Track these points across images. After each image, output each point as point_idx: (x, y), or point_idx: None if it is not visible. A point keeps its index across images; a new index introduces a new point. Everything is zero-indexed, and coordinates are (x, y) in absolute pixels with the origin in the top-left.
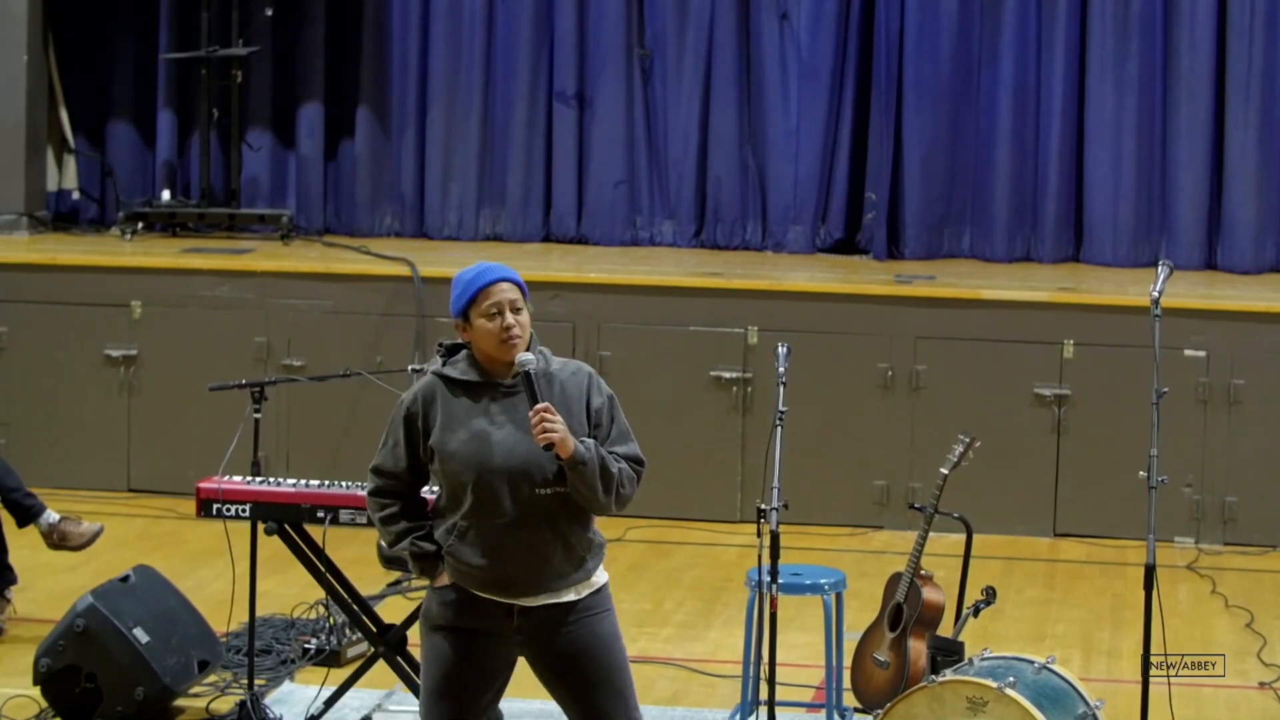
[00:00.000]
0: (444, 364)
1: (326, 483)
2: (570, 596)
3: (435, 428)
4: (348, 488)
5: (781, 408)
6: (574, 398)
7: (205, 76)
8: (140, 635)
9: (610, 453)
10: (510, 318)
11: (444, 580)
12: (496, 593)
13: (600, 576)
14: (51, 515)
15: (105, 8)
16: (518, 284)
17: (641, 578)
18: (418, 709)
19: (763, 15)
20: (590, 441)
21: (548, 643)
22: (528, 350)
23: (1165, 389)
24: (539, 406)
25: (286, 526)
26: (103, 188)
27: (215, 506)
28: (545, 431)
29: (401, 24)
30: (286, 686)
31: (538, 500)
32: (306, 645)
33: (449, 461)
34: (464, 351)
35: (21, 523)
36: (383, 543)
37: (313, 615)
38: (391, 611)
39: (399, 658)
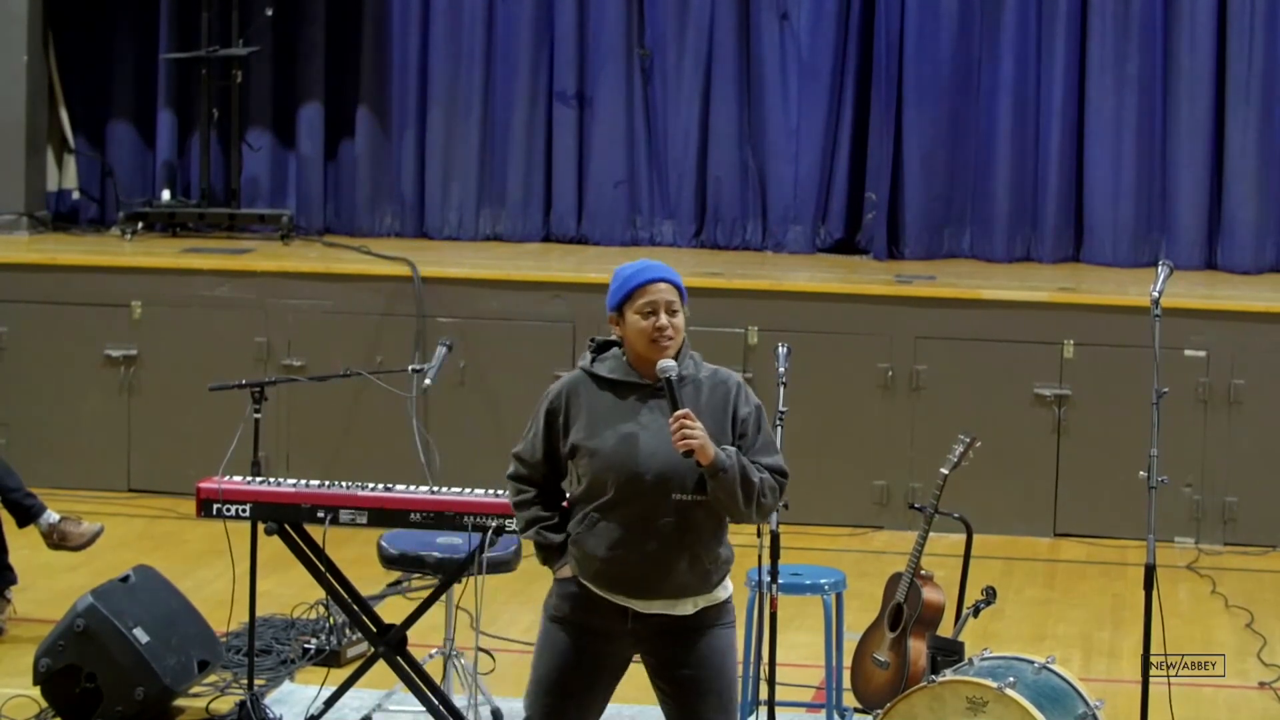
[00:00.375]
0: (592, 361)
1: (326, 483)
2: (687, 610)
3: (576, 425)
4: (348, 488)
5: (781, 408)
6: (720, 405)
7: (205, 76)
8: (140, 635)
9: (753, 462)
10: (664, 319)
11: (566, 573)
12: (613, 592)
13: (723, 591)
14: (51, 515)
15: (105, 8)
16: (677, 286)
17: None
18: (524, 697)
19: (763, 15)
20: (732, 450)
21: (660, 648)
22: (678, 355)
23: (1165, 389)
24: (679, 412)
25: (286, 526)
26: (103, 188)
27: (215, 506)
28: (684, 438)
29: (401, 24)
30: (286, 686)
31: (675, 507)
32: (306, 645)
33: (591, 459)
34: (615, 349)
35: (21, 523)
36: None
37: (313, 615)
38: (391, 611)
39: (399, 658)
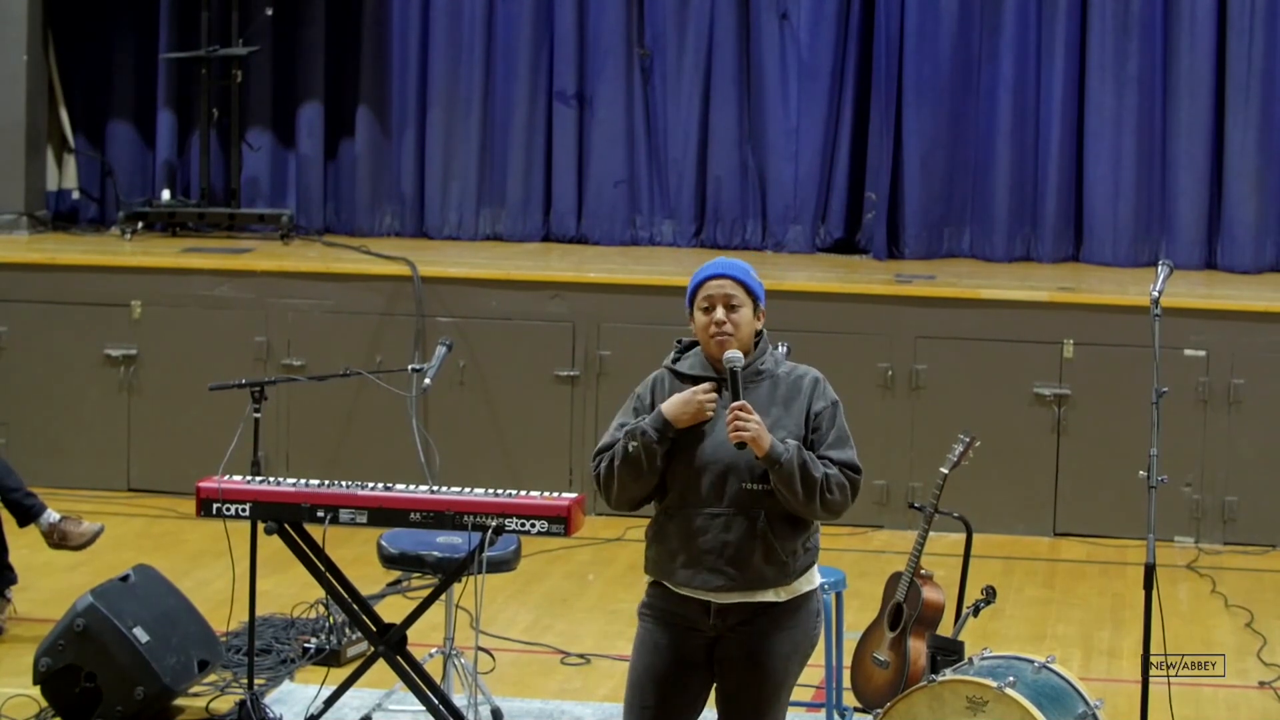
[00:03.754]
0: (675, 359)
1: (326, 482)
2: (769, 598)
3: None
4: (348, 487)
5: None
6: (792, 400)
7: (205, 76)
8: (140, 635)
9: (822, 457)
10: (720, 313)
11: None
12: (692, 587)
13: (804, 584)
14: (52, 515)
15: (105, 8)
16: (741, 281)
17: (642, 577)
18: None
19: (763, 15)
20: (793, 443)
21: (731, 640)
22: (753, 350)
23: (1165, 389)
24: (735, 404)
25: (286, 526)
26: (103, 188)
27: (215, 506)
28: (738, 430)
29: (401, 24)
30: (286, 686)
31: (743, 495)
32: (306, 645)
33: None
34: (697, 347)
35: (22, 522)
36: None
37: (313, 615)
38: (391, 611)
39: (399, 657)
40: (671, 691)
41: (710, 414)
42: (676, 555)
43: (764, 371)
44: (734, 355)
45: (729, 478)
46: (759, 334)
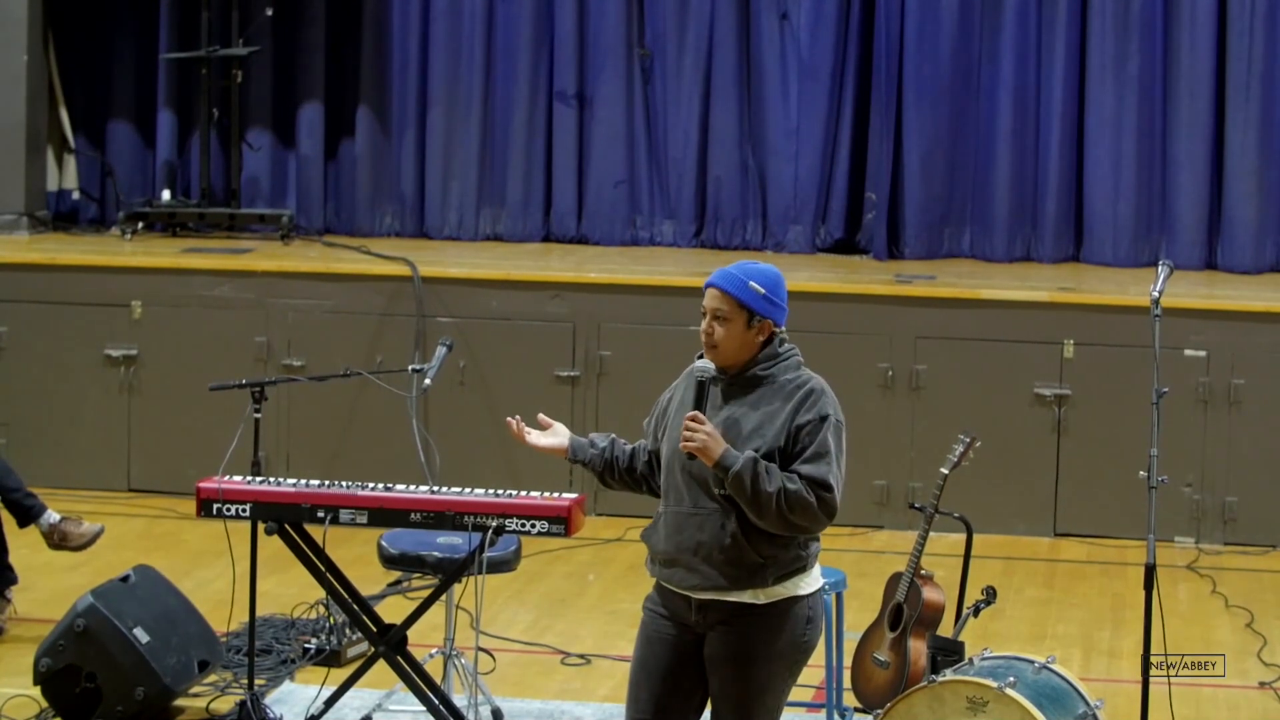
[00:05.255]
0: (700, 355)
1: (326, 483)
2: (745, 599)
3: (669, 413)
4: (348, 488)
5: None
6: (781, 409)
7: (205, 76)
8: (140, 635)
9: (791, 471)
10: (705, 324)
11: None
12: (673, 584)
13: (788, 589)
14: (52, 515)
15: (105, 8)
16: (730, 293)
17: (642, 577)
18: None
19: (763, 15)
20: (749, 455)
21: (715, 639)
22: (757, 355)
23: (1165, 389)
24: (687, 415)
25: (286, 526)
26: (103, 188)
27: (215, 506)
28: (685, 440)
29: (401, 24)
30: (286, 686)
31: (717, 498)
32: (306, 645)
33: (663, 447)
34: None
35: (22, 523)
36: None
37: (313, 615)
38: (391, 611)
39: (399, 658)
40: (667, 683)
41: (527, 435)
42: (662, 551)
43: (764, 377)
44: (702, 366)
45: (705, 480)
46: (770, 339)
